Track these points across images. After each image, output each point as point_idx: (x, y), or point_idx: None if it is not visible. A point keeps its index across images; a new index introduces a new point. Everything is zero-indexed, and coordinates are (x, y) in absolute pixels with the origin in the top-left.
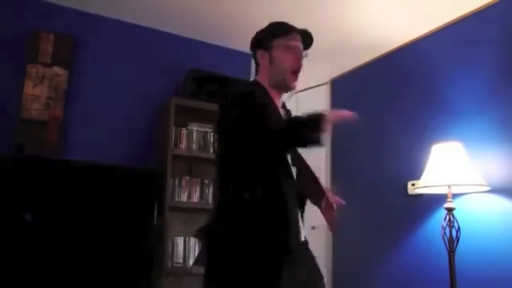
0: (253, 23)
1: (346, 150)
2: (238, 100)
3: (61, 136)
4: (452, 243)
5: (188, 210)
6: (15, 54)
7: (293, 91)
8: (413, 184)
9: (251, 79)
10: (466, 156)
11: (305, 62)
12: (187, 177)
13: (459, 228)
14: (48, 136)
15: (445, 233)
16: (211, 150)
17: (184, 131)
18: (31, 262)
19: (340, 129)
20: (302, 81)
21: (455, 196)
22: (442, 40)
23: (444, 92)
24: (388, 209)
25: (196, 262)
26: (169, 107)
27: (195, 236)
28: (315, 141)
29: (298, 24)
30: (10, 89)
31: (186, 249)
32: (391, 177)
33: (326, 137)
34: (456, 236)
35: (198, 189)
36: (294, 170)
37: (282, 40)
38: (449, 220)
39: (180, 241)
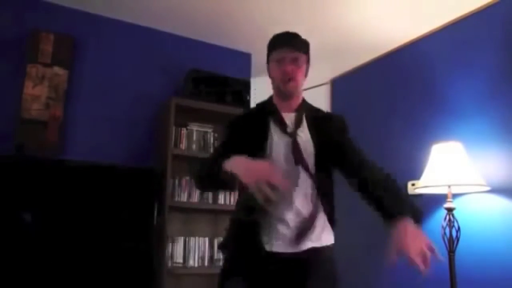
0: (253, 23)
1: None
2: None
3: (61, 136)
4: (452, 243)
5: (188, 210)
6: (15, 54)
7: (293, 92)
8: (413, 184)
9: (251, 79)
10: (466, 156)
11: None
12: (187, 177)
13: (459, 228)
14: (48, 136)
15: (445, 233)
16: (211, 150)
17: (184, 131)
18: (31, 262)
19: None
20: None
21: (455, 196)
22: (442, 40)
23: (444, 92)
24: None
25: None
26: (169, 107)
27: None
28: (227, 186)
29: (298, 24)
30: (10, 89)
31: (186, 249)
32: None
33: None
34: (456, 236)
35: None
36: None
37: (273, 55)
38: (449, 220)
39: (180, 241)
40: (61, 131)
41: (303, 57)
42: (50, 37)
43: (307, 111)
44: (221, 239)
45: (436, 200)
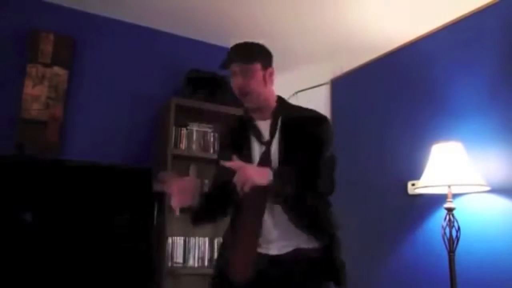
0: (253, 23)
1: (345, 150)
2: None
3: (61, 136)
4: (452, 243)
5: (188, 210)
6: (15, 54)
7: (254, 104)
8: (413, 184)
9: None
10: (466, 156)
11: (305, 62)
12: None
13: (459, 228)
14: (48, 136)
15: (445, 233)
16: (211, 150)
17: (184, 131)
18: (31, 262)
19: (340, 129)
20: (302, 81)
21: (455, 196)
22: (442, 40)
23: (444, 92)
24: (388, 209)
25: None
26: (169, 107)
27: None
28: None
29: (298, 24)
30: (10, 89)
31: (186, 249)
32: (391, 177)
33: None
34: (456, 236)
35: None
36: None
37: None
38: (449, 220)
39: (180, 241)
40: (61, 131)
41: (254, 67)
42: (50, 37)
43: (285, 114)
44: (221, 239)
45: (436, 200)
